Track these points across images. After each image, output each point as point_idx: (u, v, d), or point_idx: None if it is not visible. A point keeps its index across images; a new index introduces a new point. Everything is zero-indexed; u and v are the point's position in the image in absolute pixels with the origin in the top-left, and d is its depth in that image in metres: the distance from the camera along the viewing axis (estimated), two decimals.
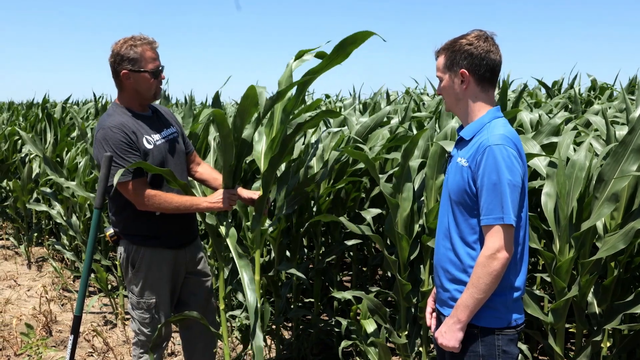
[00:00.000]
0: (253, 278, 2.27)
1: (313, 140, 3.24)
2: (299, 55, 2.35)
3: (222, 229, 2.39)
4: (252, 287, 2.24)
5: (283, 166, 3.23)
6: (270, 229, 2.97)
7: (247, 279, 2.25)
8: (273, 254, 3.17)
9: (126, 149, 2.22)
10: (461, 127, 1.77)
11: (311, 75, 2.13)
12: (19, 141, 6.34)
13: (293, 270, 2.71)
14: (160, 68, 2.33)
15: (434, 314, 1.91)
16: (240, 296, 3.14)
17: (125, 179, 2.20)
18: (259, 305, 2.20)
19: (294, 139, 2.44)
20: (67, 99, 8.28)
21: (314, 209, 3.11)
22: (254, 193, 2.44)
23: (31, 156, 5.79)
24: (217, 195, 2.29)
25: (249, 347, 3.23)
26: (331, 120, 3.64)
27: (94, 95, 8.38)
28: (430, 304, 1.93)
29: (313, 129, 3.41)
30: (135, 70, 2.28)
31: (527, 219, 1.68)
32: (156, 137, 2.36)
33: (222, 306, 2.50)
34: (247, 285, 2.24)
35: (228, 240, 2.35)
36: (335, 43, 2.01)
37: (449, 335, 1.65)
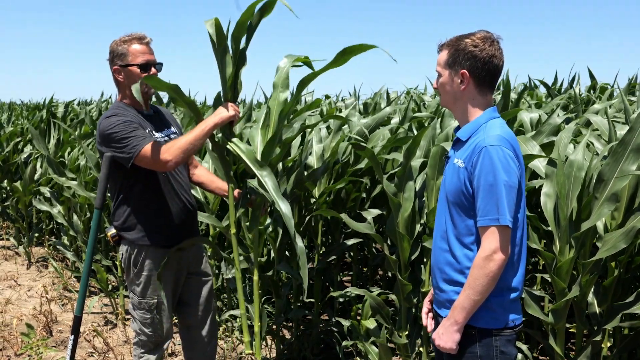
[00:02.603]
0: (278, 185, 2.16)
1: (313, 140, 3.23)
2: (292, 62, 2.35)
3: (239, 151, 2.25)
4: (280, 195, 2.12)
5: (281, 165, 3.24)
6: (270, 229, 2.97)
7: (272, 187, 2.13)
8: (273, 254, 3.16)
9: (133, 124, 2.23)
10: (458, 128, 1.77)
11: (310, 78, 2.18)
12: (21, 142, 6.35)
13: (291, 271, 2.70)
14: (150, 62, 2.32)
15: (431, 315, 1.91)
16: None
17: (142, 145, 2.18)
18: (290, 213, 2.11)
19: (293, 140, 2.44)
20: (72, 101, 8.27)
21: (314, 209, 3.11)
22: None
23: (35, 155, 5.80)
24: (220, 109, 2.23)
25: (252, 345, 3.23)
26: (331, 120, 3.64)
27: (102, 95, 8.37)
28: (426, 304, 1.93)
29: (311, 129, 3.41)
30: (124, 65, 2.30)
31: (524, 219, 1.68)
32: (158, 134, 2.38)
33: (233, 230, 2.37)
34: (274, 193, 2.12)
35: (244, 156, 2.22)
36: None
37: (446, 336, 1.65)
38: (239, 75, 2.27)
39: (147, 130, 2.31)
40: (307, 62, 2.31)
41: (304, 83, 2.21)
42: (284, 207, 2.11)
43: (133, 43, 2.30)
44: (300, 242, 2.18)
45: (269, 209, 2.94)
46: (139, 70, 2.29)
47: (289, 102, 2.33)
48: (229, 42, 2.22)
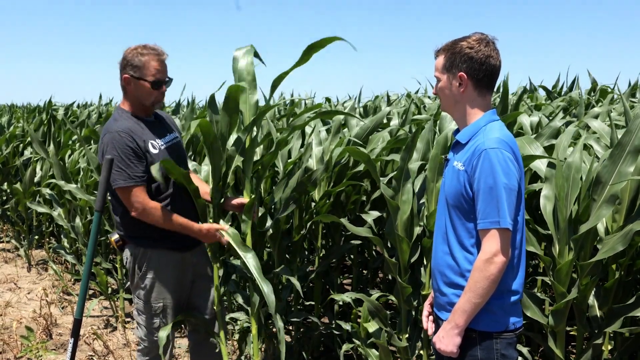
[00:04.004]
0: (260, 266, 2.31)
1: (313, 143, 3.23)
2: (244, 54, 2.44)
3: (223, 232, 2.39)
4: (264, 278, 2.28)
5: (281, 169, 3.24)
6: (270, 232, 2.97)
7: (256, 271, 2.29)
8: (274, 257, 3.16)
9: (131, 155, 2.25)
10: (458, 131, 1.77)
11: (280, 78, 2.27)
12: (21, 144, 6.36)
13: (292, 279, 2.71)
14: (163, 80, 2.34)
15: (431, 318, 1.91)
16: (240, 299, 3.13)
17: (126, 184, 2.22)
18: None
19: (284, 140, 2.47)
20: (72, 104, 8.30)
21: (314, 212, 3.11)
22: (242, 199, 2.46)
23: (34, 159, 5.80)
24: (208, 228, 2.35)
25: (249, 349, 3.23)
26: (331, 123, 3.65)
27: (100, 97, 8.39)
28: (426, 307, 1.93)
29: (311, 132, 3.41)
30: (137, 78, 2.30)
31: (524, 221, 1.69)
32: (160, 141, 2.39)
33: (217, 308, 2.50)
34: (257, 276, 2.28)
35: (231, 240, 2.36)
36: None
37: (447, 340, 1.66)
38: (229, 171, 2.41)
39: (150, 142, 2.32)
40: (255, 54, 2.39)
41: (275, 84, 2.30)
42: (266, 288, 2.26)
43: (151, 58, 2.30)
44: (280, 322, 2.28)
45: (260, 212, 2.95)
46: (149, 86, 2.31)
47: (264, 105, 2.37)
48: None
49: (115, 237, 2.41)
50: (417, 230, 2.61)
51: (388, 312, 2.68)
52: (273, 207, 2.93)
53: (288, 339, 3.55)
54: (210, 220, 2.43)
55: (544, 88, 5.68)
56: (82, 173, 4.53)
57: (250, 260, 2.30)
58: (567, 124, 3.27)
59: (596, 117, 3.53)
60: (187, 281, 2.48)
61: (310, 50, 2.18)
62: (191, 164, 2.92)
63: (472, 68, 1.64)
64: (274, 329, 3.22)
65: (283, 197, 2.75)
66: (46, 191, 4.91)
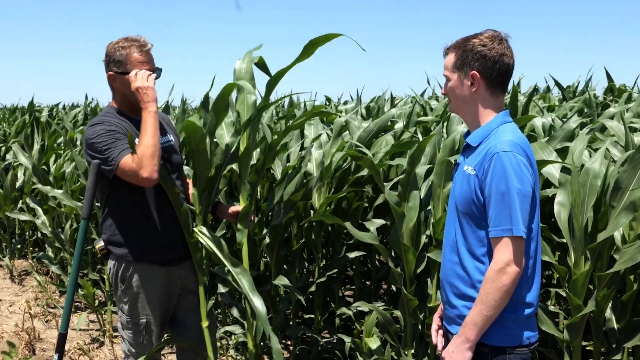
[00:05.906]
0: (253, 283, 2.25)
1: (312, 147, 3.23)
2: (249, 60, 2.43)
3: (211, 244, 2.34)
4: (255, 293, 2.22)
5: (279, 173, 3.23)
6: (267, 240, 2.95)
7: (247, 285, 2.24)
8: (271, 267, 3.14)
9: (118, 132, 2.19)
10: (468, 133, 1.76)
11: (278, 75, 2.24)
12: (2, 148, 6.33)
13: (293, 289, 2.68)
14: (151, 71, 2.26)
15: (440, 332, 1.89)
16: (235, 312, 3.11)
17: (118, 160, 2.14)
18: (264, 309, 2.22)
19: (279, 142, 2.45)
20: (56, 105, 8.28)
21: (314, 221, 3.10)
22: (237, 207, 2.43)
23: (15, 164, 5.78)
24: (147, 93, 2.19)
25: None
26: (331, 126, 3.64)
27: (86, 98, 8.35)
28: (436, 320, 1.92)
29: (315, 137, 3.40)
30: (120, 73, 2.25)
31: (538, 229, 1.68)
32: None
33: (204, 324, 2.45)
34: (249, 291, 2.23)
35: (218, 252, 2.31)
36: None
37: (457, 355, 1.64)
38: (219, 175, 2.38)
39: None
40: (260, 64, 2.36)
41: (272, 82, 2.26)
42: (258, 303, 2.20)
43: (133, 51, 2.24)
44: (276, 344, 2.20)
45: (255, 220, 2.92)
46: None
47: (260, 104, 2.35)
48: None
49: (100, 244, 2.37)
50: (424, 239, 2.60)
51: (397, 326, 2.66)
52: (270, 214, 2.92)
53: (286, 354, 3.53)
54: (196, 230, 2.38)
55: (559, 85, 5.65)
56: (67, 178, 4.51)
57: (241, 277, 2.26)
58: (582, 125, 3.27)
59: (611, 117, 3.53)
60: (174, 295, 2.44)
61: (313, 46, 2.14)
62: (186, 168, 2.89)
63: (485, 67, 1.63)
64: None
65: (280, 203, 2.74)
66: (29, 199, 4.89)
